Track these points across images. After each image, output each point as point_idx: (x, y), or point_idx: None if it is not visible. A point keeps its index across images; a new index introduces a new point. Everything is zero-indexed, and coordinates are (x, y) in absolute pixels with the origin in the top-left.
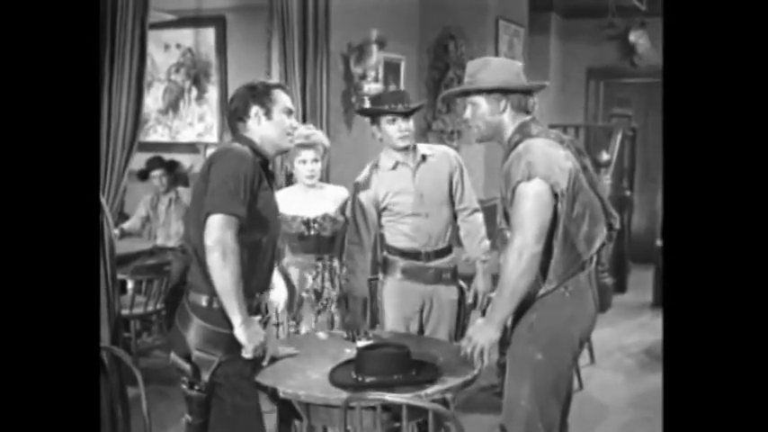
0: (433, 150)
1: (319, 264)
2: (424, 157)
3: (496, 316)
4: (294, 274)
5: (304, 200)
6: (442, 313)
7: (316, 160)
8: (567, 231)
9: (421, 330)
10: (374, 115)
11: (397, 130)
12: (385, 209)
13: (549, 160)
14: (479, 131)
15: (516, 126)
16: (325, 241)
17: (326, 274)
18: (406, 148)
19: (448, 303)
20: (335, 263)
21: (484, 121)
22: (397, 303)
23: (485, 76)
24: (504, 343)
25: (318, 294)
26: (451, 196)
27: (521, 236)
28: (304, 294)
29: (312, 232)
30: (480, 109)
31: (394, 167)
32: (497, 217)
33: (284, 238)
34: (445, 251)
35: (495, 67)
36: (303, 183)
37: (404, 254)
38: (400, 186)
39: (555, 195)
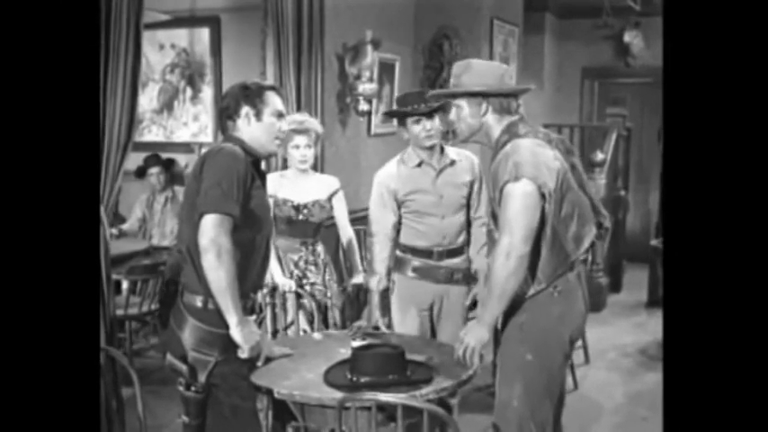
0: (460, 156)
1: (303, 248)
2: (452, 162)
3: (486, 317)
4: (275, 256)
5: (296, 185)
6: (452, 313)
7: (308, 146)
8: (555, 231)
9: (432, 330)
10: (399, 117)
11: (422, 129)
12: (403, 204)
13: (536, 160)
14: (462, 133)
15: (504, 126)
16: (311, 227)
17: (310, 258)
18: (431, 148)
19: (459, 304)
20: (319, 247)
21: (466, 123)
22: (406, 301)
23: (466, 80)
24: (498, 343)
25: (300, 278)
26: (468, 202)
27: (508, 236)
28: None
29: (301, 217)
30: (463, 111)
31: (418, 165)
32: (486, 218)
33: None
34: (458, 251)
35: (477, 70)
36: (296, 168)
37: (416, 252)
38: (421, 185)
39: (543, 196)
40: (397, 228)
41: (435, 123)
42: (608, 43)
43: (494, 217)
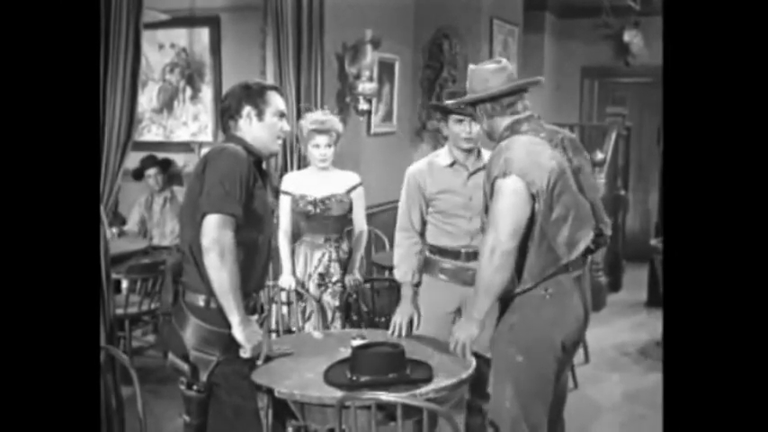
0: None
1: (326, 244)
2: (485, 166)
3: (474, 312)
4: (302, 253)
5: (314, 181)
6: None
7: (329, 145)
8: (543, 232)
9: None
10: (444, 112)
11: (463, 130)
12: (431, 202)
13: (528, 158)
14: (484, 134)
15: (508, 123)
16: (331, 221)
17: (333, 254)
18: (469, 150)
19: None
20: (344, 245)
21: (480, 128)
22: (432, 303)
23: (467, 87)
24: None
25: (323, 275)
26: None
27: (494, 232)
28: (310, 274)
29: (318, 211)
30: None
31: (451, 165)
32: (482, 213)
33: (295, 217)
34: None
35: (470, 77)
36: (315, 166)
37: (444, 252)
38: (452, 185)
39: (532, 194)
40: (424, 225)
41: (477, 127)
42: (608, 43)
43: (486, 210)
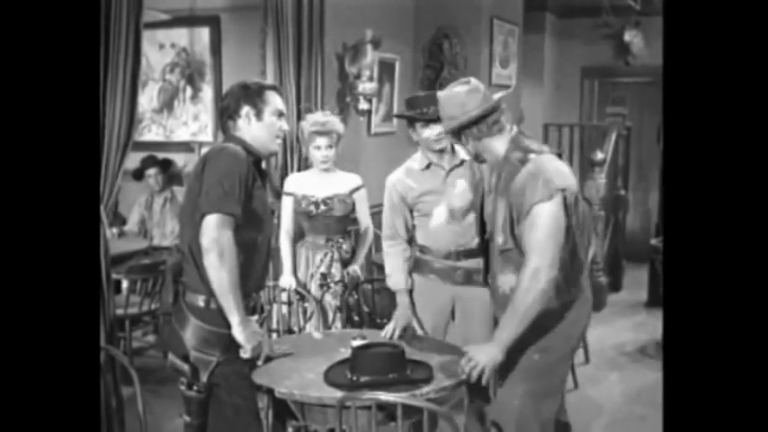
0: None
1: (328, 245)
2: (462, 162)
3: (504, 336)
4: (304, 254)
5: (316, 182)
6: (472, 316)
7: (330, 146)
8: (574, 242)
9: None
10: (408, 120)
11: (432, 133)
12: (415, 207)
13: (561, 171)
14: (472, 155)
15: (508, 142)
16: (333, 221)
17: (335, 255)
18: (441, 150)
19: (479, 306)
20: (345, 245)
21: (465, 150)
22: (425, 303)
23: (441, 113)
24: None
25: (325, 275)
26: (482, 202)
27: (537, 259)
28: (312, 274)
29: (320, 211)
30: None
31: (427, 167)
32: (500, 237)
33: (297, 218)
34: (476, 252)
35: (442, 104)
36: (317, 167)
37: (434, 253)
38: (431, 186)
39: (566, 207)
40: (411, 230)
41: None
42: (608, 42)
43: (512, 236)
